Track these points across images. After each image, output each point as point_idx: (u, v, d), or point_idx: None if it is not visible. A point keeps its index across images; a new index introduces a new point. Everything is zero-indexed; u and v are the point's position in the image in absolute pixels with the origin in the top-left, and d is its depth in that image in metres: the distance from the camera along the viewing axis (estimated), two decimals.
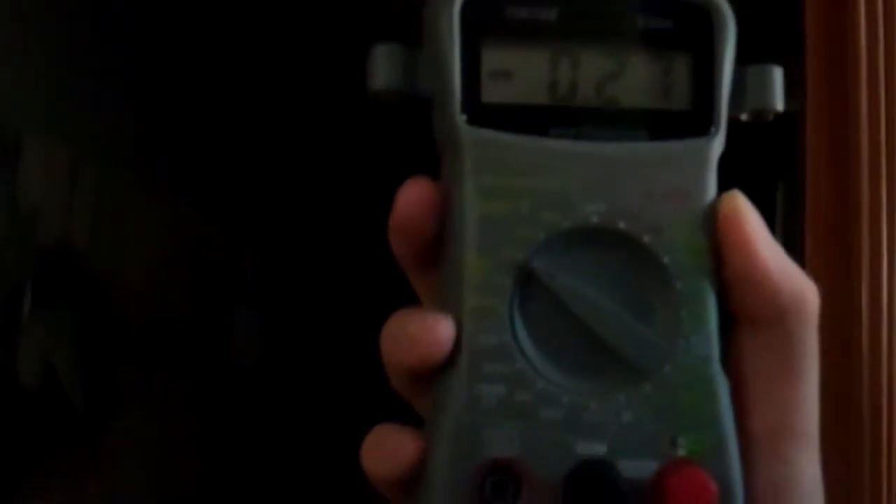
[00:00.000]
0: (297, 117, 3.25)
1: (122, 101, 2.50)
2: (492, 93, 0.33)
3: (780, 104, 0.36)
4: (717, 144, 0.34)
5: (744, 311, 0.34)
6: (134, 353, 2.54)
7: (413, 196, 0.33)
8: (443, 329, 0.32)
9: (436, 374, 0.32)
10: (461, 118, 0.33)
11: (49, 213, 2.26)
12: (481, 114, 0.33)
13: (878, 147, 1.24)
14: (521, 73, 0.34)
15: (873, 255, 1.24)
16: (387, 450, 0.33)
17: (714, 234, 0.33)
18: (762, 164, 3.08)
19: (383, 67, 0.34)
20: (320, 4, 2.82)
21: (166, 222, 2.73)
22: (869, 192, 1.24)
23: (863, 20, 1.25)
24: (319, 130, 3.35)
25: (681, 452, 0.32)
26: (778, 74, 0.36)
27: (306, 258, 3.42)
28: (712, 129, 0.34)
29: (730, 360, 0.34)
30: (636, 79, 0.34)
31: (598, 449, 0.32)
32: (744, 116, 0.36)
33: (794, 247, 2.41)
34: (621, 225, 0.33)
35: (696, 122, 0.34)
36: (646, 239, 0.33)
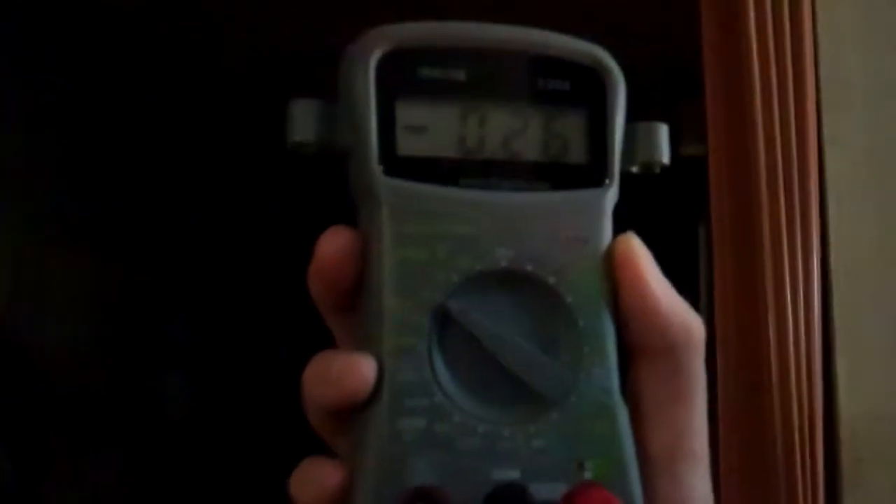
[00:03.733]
0: (218, 178, 3.25)
1: (42, 162, 2.48)
2: (406, 146, 0.35)
3: (666, 158, 0.38)
4: (612, 194, 0.37)
5: (638, 344, 0.36)
6: (61, 421, 2.49)
7: (333, 244, 0.35)
8: (365, 367, 0.34)
9: (357, 410, 0.34)
10: (378, 169, 0.35)
11: None
12: (397, 165, 0.35)
13: (775, 182, 1.29)
14: (433, 128, 0.36)
15: (777, 287, 1.28)
16: (312, 479, 0.34)
17: (612, 274, 0.36)
18: (684, 207, 3.16)
19: (301, 121, 0.36)
20: (240, 62, 2.84)
21: (90, 286, 2.69)
22: (770, 230, 1.28)
23: (755, 62, 1.31)
24: (243, 189, 3.35)
25: (587, 475, 0.35)
26: (664, 131, 0.39)
27: (233, 316, 3.39)
28: (607, 181, 0.37)
29: (628, 388, 0.36)
30: (538, 135, 0.37)
31: (512, 474, 0.34)
32: (634, 169, 0.38)
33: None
34: (529, 268, 0.35)
35: (593, 174, 0.37)
36: (551, 280, 0.35)
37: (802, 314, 1.28)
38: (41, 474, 2.38)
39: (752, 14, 1.32)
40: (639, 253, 0.36)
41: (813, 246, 1.29)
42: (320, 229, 0.36)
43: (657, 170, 0.39)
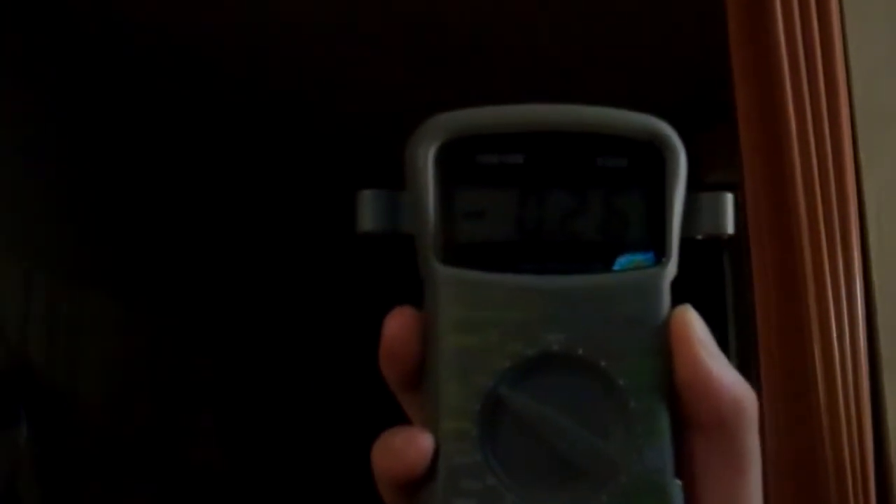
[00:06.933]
0: (253, 233, 3.27)
1: (75, 212, 2.50)
2: (464, 233, 0.37)
3: (731, 228, 0.39)
4: (670, 272, 0.38)
5: (691, 418, 0.37)
6: (96, 465, 2.49)
7: (398, 323, 0.37)
8: (423, 443, 0.35)
9: (419, 487, 0.36)
10: (436, 258, 0.37)
11: (3, 327, 2.23)
12: (454, 253, 0.37)
13: (815, 207, 1.28)
14: (491, 214, 0.37)
15: (821, 313, 1.26)
16: None
17: (667, 349, 0.37)
18: None
19: (369, 211, 0.38)
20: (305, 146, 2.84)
21: (123, 331, 2.70)
22: (811, 251, 1.27)
23: (788, 85, 1.30)
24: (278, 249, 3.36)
25: None
26: (729, 201, 0.39)
27: (265, 362, 3.40)
28: (664, 259, 0.38)
29: (681, 461, 0.37)
30: (595, 215, 0.38)
31: None
32: (699, 237, 0.39)
33: (743, 304, 2.44)
34: (580, 352, 0.36)
35: (650, 253, 0.38)
36: (603, 364, 0.36)
37: (848, 339, 1.26)
38: None
39: (781, 36, 1.32)
40: (693, 327, 0.37)
41: (855, 269, 1.27)
42: (390, 306, 0.38)
43: (724, 237, 0.39)
